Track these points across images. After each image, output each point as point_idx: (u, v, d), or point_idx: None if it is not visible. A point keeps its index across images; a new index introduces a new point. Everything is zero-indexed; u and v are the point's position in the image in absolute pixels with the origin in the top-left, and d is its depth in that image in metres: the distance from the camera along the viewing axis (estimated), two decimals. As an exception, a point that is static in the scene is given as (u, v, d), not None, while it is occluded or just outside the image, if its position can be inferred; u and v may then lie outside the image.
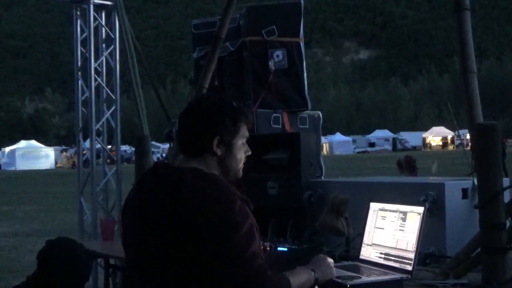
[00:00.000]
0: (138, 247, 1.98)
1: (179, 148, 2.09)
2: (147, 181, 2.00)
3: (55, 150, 56.18)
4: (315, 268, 2.13)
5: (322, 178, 3.83)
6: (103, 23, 6.82)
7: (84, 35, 6.74)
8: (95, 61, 6.60)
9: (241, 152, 2.06)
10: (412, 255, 2.43)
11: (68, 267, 3.10)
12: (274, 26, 3.97)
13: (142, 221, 1.95)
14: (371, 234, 2.68)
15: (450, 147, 62.60)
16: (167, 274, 1.87)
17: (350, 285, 2.24)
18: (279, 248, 2.80)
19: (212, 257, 1.80)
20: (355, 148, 64.34)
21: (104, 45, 6.87)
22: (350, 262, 2.67)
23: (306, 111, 4.07)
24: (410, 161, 7.36)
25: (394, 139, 65.88)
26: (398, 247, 2.52)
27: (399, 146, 64.06)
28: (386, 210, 2.66)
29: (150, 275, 1.93)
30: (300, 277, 2.04)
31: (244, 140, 2.06)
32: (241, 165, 2.09)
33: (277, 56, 3.97)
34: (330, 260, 2.23)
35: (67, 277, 3.11)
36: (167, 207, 1.88)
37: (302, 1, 4.08)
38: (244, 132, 2.05)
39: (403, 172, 7.19)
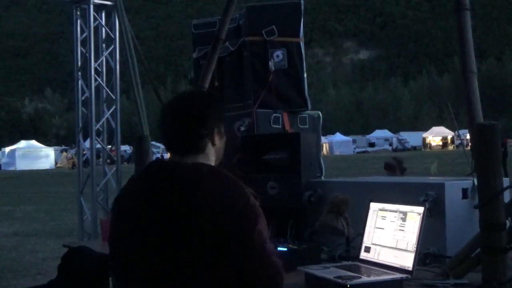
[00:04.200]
0: (144, 248, 1.87)
1: (172, 148, 2.01)
2: (157, 179, 1.92)
3: (55, 150, 56.18)
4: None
5: (322, 178, 3.83)
6: (103, 23, 6.82)
7: (84, 35, 6.74)
8: (95, 61, 6.60)
9: (225, 140, 2.10)
10: (412, 255, 2.43)
11: (90, 271, 3.11)
12: (274, 26, 3.97)
13: (153, 221, 1.86)
14: (371, 234, 2.68)
15: (450, 147, 62.59)
16: (185, 274, 1.80)
17: (350, 285, 2.24)
18: (279, 248, 2.80)
19: (237, 252, 1.79)
20: (355, 148, 64.32)
21: (104, 45, 6.87)
22: (350, 262, 2.67)
23: (306, 111, 4.07)
24: (401, 162, 7.35)
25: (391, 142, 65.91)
26: (398, 247, 2.52)
27: (399, 146, 64.04)
28: (386, 210, 2.66)
29: (163, 277, 1.83)
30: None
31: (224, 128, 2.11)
32: None
33: (277, 56, 3.97)
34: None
35: (89, 281, 3.11)
36: (185, 205, 1.82)
37: (302, 1, 4.08)
38: (223, 116, 2.10)
39: (395, 173, 7.13)
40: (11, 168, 48.09)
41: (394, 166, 7.11)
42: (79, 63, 6.85)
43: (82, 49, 6.84)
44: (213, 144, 2.01)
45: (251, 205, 1.84)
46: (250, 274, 1.81)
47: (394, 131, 71.36)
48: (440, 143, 66.87)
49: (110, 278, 2.67)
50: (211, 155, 2.02)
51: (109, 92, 6.85)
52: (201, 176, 1.85)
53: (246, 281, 1.81)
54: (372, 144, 67.19)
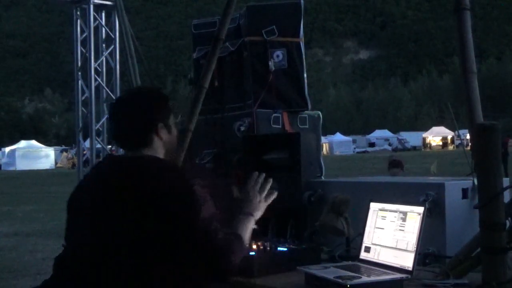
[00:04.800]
0: (97, 237, 1.96)
1: (120, 143, 2.15)
2: (107, 172, 2.05)
3: (55, 150, 56.18)
4: (253, 210, 2.25)
5: (322, 178, 3.83)
6: (103, 23, 6.82)
7: (84, 35, 6.74)
8: (95, 61, 6.60)
9: (176, 132, 2.22)
10: (412, 255, 2.43)
11: None
12: (274, 26, 3.96)
13: (105, 209, 1.97)
14: (371, 234, 2.68)
15: (450, 147, 62.59)
16: (135, 258, 1.90)
17: (350, 285, 2.24)
18: (279, 248, 2.80)
19: (181, 237, 1.90)
20: (355, 148, 64.33)
21: (104, 45, 6.87)
22: (350, 262, 2.67)
23: (306, 111, 4.07)
24: (401, 161, 7.39)
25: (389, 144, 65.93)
26: (398, 247, 2.52)
27: (399, 146, 64.05)
28: (386, 210, 2.66)
29: (113, 260, 1.92)
30: (246, 227, 2.19)
31: (174, 119, 2.23)
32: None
33: (277, 56, 3.97)
34: (261, 190, 2.32)
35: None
36: (133, 195, 1.93)
37: (302, 1, 4.07)
38: (172, 112, 2.21)
39: (399, 172, 7.15)
40: (11, 168, 48.09)
41: (401, 162, 7.17)
42: (79, 63, 6.85)
43: (82, 49, 6.85)
44: (160, 138, 2.13)
45: (193, 192, 1.95)
46: (192, 258, 1.93)
47: (394, 131, 71.38)
48: (440, 143, 66.89)
49: None
50: (159, 149, 2.13)
51: (109, 92, 6.85)
52: (145, 166, 1.99)
53: (189, 264, 1.93)
54: (372, 144, 67.21)
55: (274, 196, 2.37)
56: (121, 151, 2.24)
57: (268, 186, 2.36)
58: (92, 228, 2.00)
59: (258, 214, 2.29)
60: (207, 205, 2.00)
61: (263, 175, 2.37)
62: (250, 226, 2.22)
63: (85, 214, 2.04)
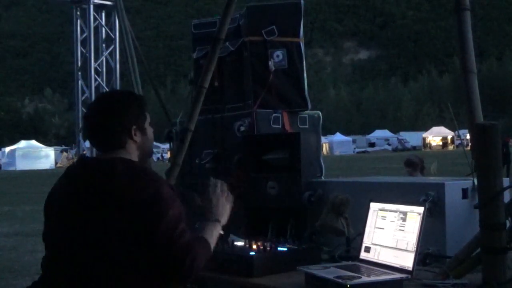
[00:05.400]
0: (70, 237, 2.02)
1: (95, 145, 2.19)
2: (77, 174, 2.11)
3: (55, 150, 56.18)
4: (219, 216, 2.26)
5: (322, 178, 3.83)
6: (103, 23, 6.82)
7: (84, 35, 6.74)
8: (95, 61, 6.60)
9: (151, 132, 2.24)
10: (412, 255, 2.43)
11: None
12: (274, 26, 3.96)
13: (76, 210, 2.03)
14: (371, 234, 2.68)
15: (450, 147, 62.62)
16: (104, 256, 1.97)
17: (350, 285, 2.24)
18: (279, 248, 2.80)
19: (146, 239, 1.95)
20: (355, 148, 64.35)
21: (104, 45, 6.87)
22: (350, 262, 2.67)
23: (306, 111, 4.06)
24: (423, 161, 7.14)
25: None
26: (398, 247, 2.52)
27: (399, 146, 64.06)
28: (386, 210, 2.66)
29: (84, 260, 1.99)
30: (213, 233, 2.19)
31: (149, 121, 2.25)
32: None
33: (277, 56, 3.97)
34: (223, 194, 2.32)
35: None
36: (101, 196, 1.99)
37: (302, 1, 4.07)
38: (148, 115, 2.24)
39: (416, 171, 6.92)
40: (11, 168, 48.09)
41: (416, 163, 6.97)
42: (79, 63, 6.86)
43: (82, 49, 6.85)
44: (134, 141, 2.16)
45: (160, 194, 1.98)
46: (157, 258, 1.96)
47: (394, 131, 71.38)
48: (440, 143, 66.90)
49: None
50: (133, 151, 2.17)
51: (109, 92, 6.85)
52: (114, 168, 2.03)
53: (152, 265, 1.97)
54: (372, 144, 67.22)
55: (232, 198, 2.36)
56: None
57: (226, 189, 2.36)
58: (62, 229, 2.06)
59: (225, 218, 2.29)
60: (175, 206, 2.02)
61: (220, 181, 2.38)
62: (217, 232, 2.23)
63: (57, 216, 2.10)
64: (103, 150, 2.16)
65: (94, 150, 7.03)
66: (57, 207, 2.12)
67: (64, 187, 2.13)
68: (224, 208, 2.30)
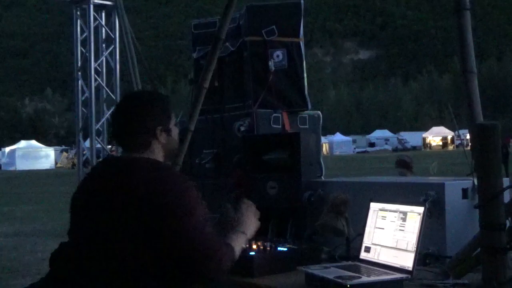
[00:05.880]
0: (93, 235, 2.02)
1: (120, 145, 2.19)
2: (102, 172, 2.13)
3: (55, 150, 56.17)
4: (246, 229, 2.29)
5: (322, 178, 3.83)
6: (103, 23, 6.82)
7: (84, 35, 6.74)
8: (95, 61, 6.60)
9: (177, 133, 2.27)
10: (412, 255, 2.43)
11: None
12: (274, 26, 3.96)
13: (99, 208, 2.03)
14: (371, 234, 2.68)
15: (450, 147, 62.64)
16: (126, 256, 1.97)
17: (350, 285, 2.24)
18: (279, 248, 2.80)
19: (172, 239, 1.94)
20: (355, 148, 64.39)
21: (104, 45, 6.87)
22: (350, 262, 2.67)
23: (306, 111, 4.07)
24: (411, 161, 7.31)
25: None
26: (398, 247, 2.52)
27: (399, 146, 64.07)
28: (386, 210, 2.66)
29: (106, 259, 1.99)
30: (239, 243, 2.21)
31: (174, 121, 2.27)
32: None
33: (277, 56, 3.97)
34: (254, 213, 2.36)
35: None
36: (125, 195, 1.99)
37: (302, 1, 4.07)
38: (173, 115, 2.27)
39: (407, 172, 7.06)
40: (11, 168, 48.09)
41: (408, 163, 7.07)
42: (79, 63, 6.86)
43: (82, 49, 6.85)
44: (158, 141, 2.17)
45: (188, 195, 1.99)
46: (183, 258, 1.96)
47: (394, 131, 71.41)
48: (440, 143, 66.93)
49: None
50: (158, 151, 2.18)
51: (109, 92, 6.86)
52: (137, 166, 2.05)
53: (179, 263, 1.97)
54: (372, 144, 67.24)
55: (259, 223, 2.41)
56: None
57: (255, 209, 2.41)
58: (88, 226, 2.06)
59: (251, 233, 2.33)
60: (201, 207, 2.03)
61: (251, 202, 2.43)
62: (242, 242, 2.26)
63: (83, 212, 2.10)
64: (129, 150, 2.16)
65: (95, 150, 6.98)
66: (81, 205, 2.12)
67: (89, 186, 2.14)
68: (252, 224, 2.34)
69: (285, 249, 2.80)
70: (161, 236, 1.95)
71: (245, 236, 2.28)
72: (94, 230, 2.02)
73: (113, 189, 2.02)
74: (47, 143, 63.91)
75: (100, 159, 2.39)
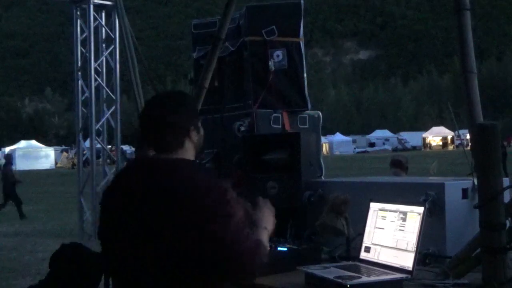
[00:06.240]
0: (130, 237, 2.01)
1: (152, 146, 2.16)
2: (141, 174, 2.07)
3: (55, 150, 56.18)
4: (267, 224, 2.27)
5: (322, 178, 3.83)
6: (103, 23, 6.82)
7: (84, 35, 6.74)
8: (95, 61, 6.60)
9: (202, 131, 2.27)
10: (412, 255, 2.43)
11: (81, 268, 3.11)
12: (274, 26, 3.96)
13: (139, 209, 2.00)
14: (371, 234, 2.68)
15: (450, 147, 62.65)
16: (168, 260, 1.95)
17: (350, 285, 2.24)
18: (279, 248, 2.80)
19: (212, 240, 1.91)
20: (355, 148, 64.39)
21: (104, 45, 6.87)
22: (350, 262, 2.67)
23: (306, 111, 4.07)
24: (407, 161, 7.35)
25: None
26: (398, 247, 2.52)
27: (399, 146, 64.08)
28: (386, 210, 2.66)
29: (149, 261, 1.98)
30: (265, 239, 2.19)
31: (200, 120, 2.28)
32: None
33: (277, 56, 3.97)
34: (271, 209, 2.37)
35: (79, 278, 3.10)
36: (166, 196, 1.97)
37: (302, 1, 4.07)
38: (198, 112, 2.31)
39: (401, 172, 7.11)
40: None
41: (403, 163, 7.11)
42: (79, 63, 6.85)
43: (82, 49, 6.85)
44: (191, 139, 2.18)
45: (228, 194, 1.99)
46: (222, 259, 1.93)
47: (394, 131, 71.42)
48: (440, 143, 66.94)
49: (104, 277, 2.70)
50: (190, 150, 2.19)
51: (109, 92, 6.85)
52: (178, 167, 2.04)
53: (218, 264, 1.94)
54: (372, 144, 67.25)
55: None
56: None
57: (273, 209, 2.41)
58: (128, 226, 2.03)
59: (271, 229, 2.31)
60: (241, 208, 2.02)
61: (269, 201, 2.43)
62: (267, 239, 2.23)
63: (121, 213, 2.06)
64: (162, 150, 2.14)
65: (95, 150, 6.94)
66: (118, 206, 2.09)
67: (126, 186, 2.10)
68: (271, 219, 2.33)
69: (285, 249, 2.81)
70: (202, 238, 1.92)
71: (267, 232, 2.26)
72: (135, 231, 2.00)
73: (155, 190, 2.00)
74: (47, 143, 63.92)
75: (132, 159, 2.35)
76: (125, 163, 2.32)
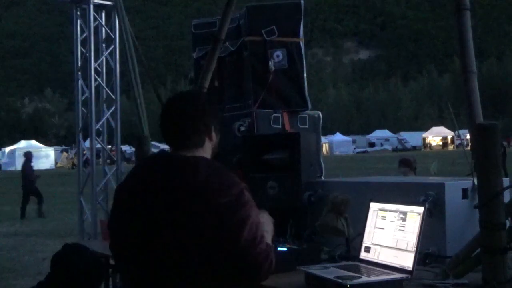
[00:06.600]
0: (145, 233, 1.99)
1: (173, 144, 2.14)
2: (161, 171, 2.05)
3: (55, 150, 56.16)
4: (268, 228, 2.24)
5: (322, 178, 3.83)
6: (103, 23, 6.82)
7: (84, 35, 6.74)
8: (95, 61, 6.60)
9: (219, 132, 2.25)
10: (412, 255, 2.43)
11: (83, 269, 3.11)
12: (274, 26, 3.96)
13: (156, 205, 1.99)
14: (371, 234, 2.68)
15: (450, 147, 62.65)
16: (184, 258, 1.94)
17: (350, 285, 2.24)
18: (279, 248, 2.80)
19: (228, 241, 1.91)
20: (355, 148, 64.39)
21: (104, 45, 6.87)
22: (350, 262, 2.67)
23: (306, 111, 4.07)
24: (415, 161, 7.41)
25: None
26: (398, 247, 2.52)
27: (399, 146, 64.09)
28: (386, 210, 2.66)
29: (165, 258, 1.97)
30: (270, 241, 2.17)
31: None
32: None
33: (277, 56, 3.97)
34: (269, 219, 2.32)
35: (81, 279, 3.10)
36: (184, 193, 1.97)
37: (302, 1, 4.07)
38: (218, 114, 2.27)
39: (410, 172, 7.14)
40: (11, 168, 48.06)
41: (412, 163, 7.19)
42: (79, 63, 6.85)
43: (82, 49, 6.84)
44: (211, 139, 2.17)
45: (245, 194, 1.98)
46: (237, 261, 1.93)
47: (394, 131, 71.41)
48: (440, 143, 66.94)
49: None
50: (209, 150, 2.17)
51: (109, 92, 6.85)
52: (199, 165, 2.02)
53: (232, 265, 1.93)
54: (372, 144, 67.25)
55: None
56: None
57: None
58: (137, 222, 2.02)
59: (272, 230, 2.28)
60: (256, 210, 2.01)
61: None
62: (272, 230, 2.25)
63: (139, 209, 2.04)
64: (182, 146, 2.11)
65: (95, 150, 6.91)
66: (133, 200, 2.06)
67: (146, 182, 2.07)
68: (270, 221, 2.31)
69: (285, 249, 2.81)
70: (218, 238, 1.92)
71: (270, 235, 2.25)
72: (152, 225, 1.98)
73: (175, 187, 1.99)
74: (47, 143, 63.88)
75: (152, 156, 2.34)
76: (145, 159, 2.29)
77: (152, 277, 2.00)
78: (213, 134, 2.18)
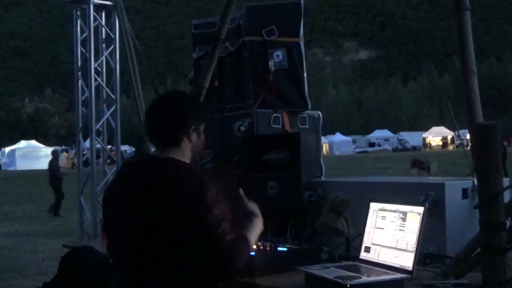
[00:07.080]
0: (123, 232, 2.13)
1: (153, 142, 2.26)
2: (132, 171, 2.20)
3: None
4: (256, 212, 2.35)
5: (322, 178, 3.83)
6: (103, 23, 6.83)
7: (84, 35, 6.75)
8: (95, 61, 6.61)
9: (203, 139, 2.33)
10: (412, 255, 2.43)
11: (92, 271, 3.12)
12: (274, 26, 3.96)
13: (129, 207, 2.11)
14: (371, 234, 2.68)
15: (450, 147, 62.63)
16: (152, 253, 2.06)
17: (350, 285, 2.24)
18: (279, 248, 2.80)
19: (189, 236, 2.00)
20: (355, 148, 64.40)
21: (104, 45, 6.88)
22: (350, 262, 2.67)
23: (306, 111, 4.07)
24: (427, 160, 7.49)
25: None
26: (398, 247, 2.52)
27: (399, 146, 64.10)
28: (386, 210, 2.66)
29: (137, 252, 2.09)
30: (255, 230, 2.28)
31: (203, 128, 2.35)
32: None
33: (277, 56, 3.97)
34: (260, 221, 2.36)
35: (90, 281, 3.11)
36: (150, 194, 2.07)
37: (302, 1, 4.07)
38: (204, 123, 2.35)
39: (423, 172, 7.18)
40: (11, 168, 48.09)
41: (424, 163, 7.24)
42: (79, 63, 6.86)
43: (82, 49, 6.85)
44: (189, 140, 2.23)
45: (206, 194, 2.04)
46: (200, 255, 2.01)
47: (394, 131, 71.40)
48: (440, 143, 66.92)
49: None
50: (187, 150, 2.24)
51: (109, 92, 6.86)
52: (164, 169, 2.11)
53: (196, 260, 2.02)
54: (372, 144, 67.25)
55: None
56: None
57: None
58: (118, 221, 2.17)
59: (259, 214, 2.36)
60: (219, 206, 2.06)
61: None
62: (258, 227, 2.30)
63: (115, 208, 2.20)
64: (160, 146, 2.22)
65: (95, 150, 6.94)
66: (115, 200, 2.20)
67: (122, 184, 2.21)
68: (256, 208, 2.38)
69: (285, 249, 2.81)
70: (179, 236, 2.01)
71: (259, 220, 2.31)
72: (125, 228, 2.11)
73: (141, 189, 2.09)
74: (47, 143, 63.83)
75: (133, 156, 2.50)
76: (126, 160, 2.40)
77: (130, 277, 2.12)
78: (193, 135, 2.24)
